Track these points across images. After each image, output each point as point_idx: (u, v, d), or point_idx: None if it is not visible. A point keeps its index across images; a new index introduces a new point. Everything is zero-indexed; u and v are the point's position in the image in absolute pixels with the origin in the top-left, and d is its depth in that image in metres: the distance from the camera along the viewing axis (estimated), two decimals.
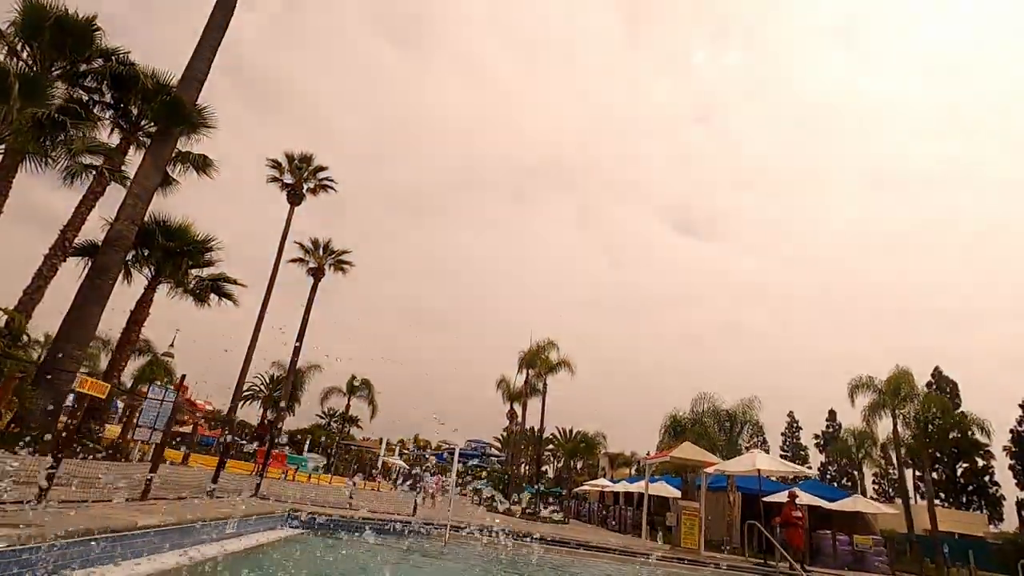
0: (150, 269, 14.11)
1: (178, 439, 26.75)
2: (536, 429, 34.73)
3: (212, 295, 15.31)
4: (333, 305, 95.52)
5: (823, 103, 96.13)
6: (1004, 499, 46.53)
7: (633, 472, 54.39)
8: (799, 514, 12.36)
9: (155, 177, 11.92)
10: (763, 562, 12.43)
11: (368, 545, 8.37)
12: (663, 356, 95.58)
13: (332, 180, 36.08)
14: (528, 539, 11.33)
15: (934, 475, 40.70)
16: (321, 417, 57.97)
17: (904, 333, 73.86)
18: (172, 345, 40.48)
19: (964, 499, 48.58)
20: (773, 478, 25.63)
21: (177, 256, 13.75)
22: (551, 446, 50.92)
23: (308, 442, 49.43)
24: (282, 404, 35.06)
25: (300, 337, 33.14)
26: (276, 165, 34.96)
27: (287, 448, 40.55)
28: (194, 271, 14.86)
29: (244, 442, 45.29)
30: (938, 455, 41.02)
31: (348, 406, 48.58)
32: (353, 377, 47.28)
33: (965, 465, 48.65)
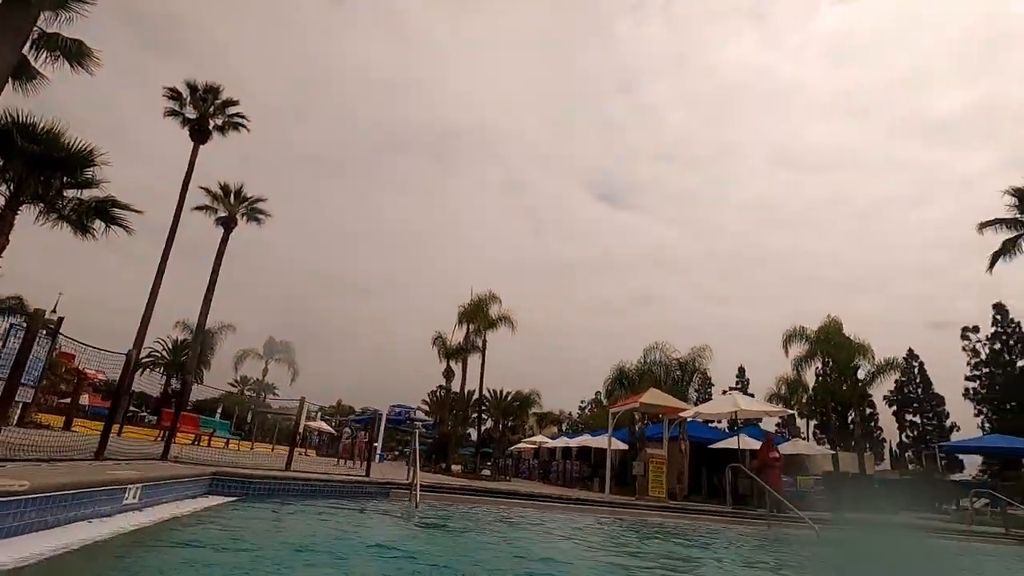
0: (8, 185, 10.88)
1: (63, 406, 22.91)
2: (475, 389, 33.53)
3: (98, 224, 12.13)
4: (246, 266, 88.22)
5: (735, 80, 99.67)
6: (885, 441, 52.59)
7: (562, 429, 55.18)
8: (777, 455, 12.03)
9: (7, 55, 8.93)
10: (743, 507, 12.01)
11: (334, 511, 6.68)
12: (586, 321, 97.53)
13: (244, 117, 31.82)
14: (505, 496, 10.04)
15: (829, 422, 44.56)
16: (234, 385, 53.56)
17: (798, 299, 79.89)
18: (55, 311, 34.95)
19: (853, 443, 54.18)
20: (712, 424, 26.08)
21: (46, 168, 10.61)
22: (483, 407, 50.23)
23: (219, 411, 45.42)
24: (189, 377, 31.30)
25: (209, 294, 29.50)
26: (175, 95, 30.19)
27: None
28: (71, 192, 11.69)
29: (144, 412, 40.63)
30: (835, 404, 45.02)
31: (265, 370, 44.97)
32: (272, 339, 43.68)
33: (854, 413, 54.28)
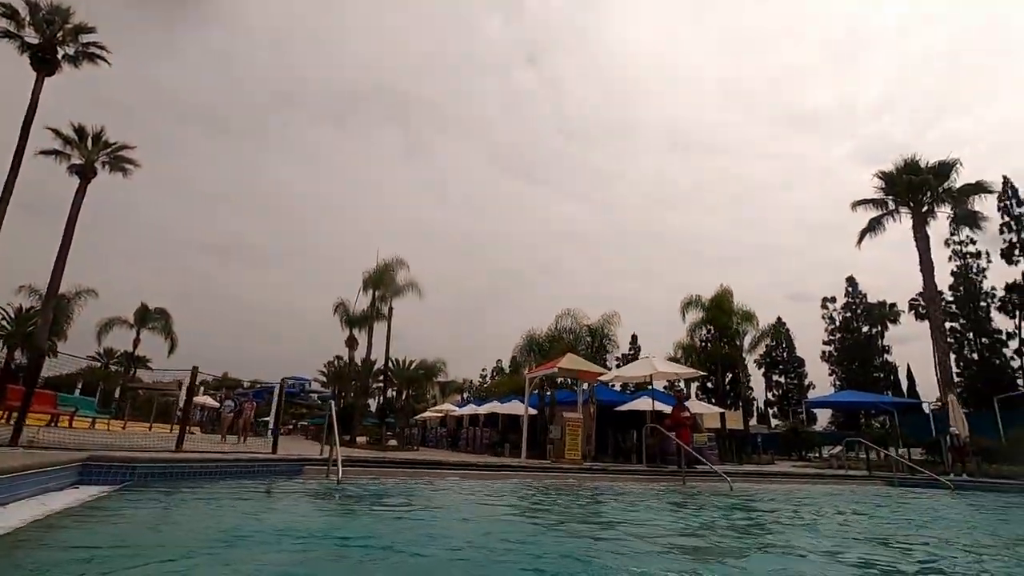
0: None
1: None
2: (378, 358, 32.39)
3: None
4: (116, 227, 77.47)
5: (638, 60, 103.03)
6: (755, 400, 58.97)
7: (464, 397, 55.48)
8: (688, 414, 12.66)
9: None
10: (655, 466, 12.54)
11: (246, 495, 5.81)
12: (489, 291, 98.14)
13: (103, 48, 27.23)
14: (427, 467, 9.57)
15: (709, 384, 49.01)
16: (97, 358, 47.49)
17: (683, 274, 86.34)
18: None
19: (728, 401, 60.21)
20: (616, 387, 27.25)
21: None
22: (387, 376, 48.87)
23: (79, 388, 40.04)
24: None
25: (63, 254, 25.40)
26: (10, 13, 25.07)
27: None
28: None
29: None
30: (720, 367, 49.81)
31: (137, 340, 40.19)
32: (144, 305, 38.98)
33: (730, 375, 60.23)
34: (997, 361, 32.59)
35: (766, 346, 56.54)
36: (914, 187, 17.40)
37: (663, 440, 12.24)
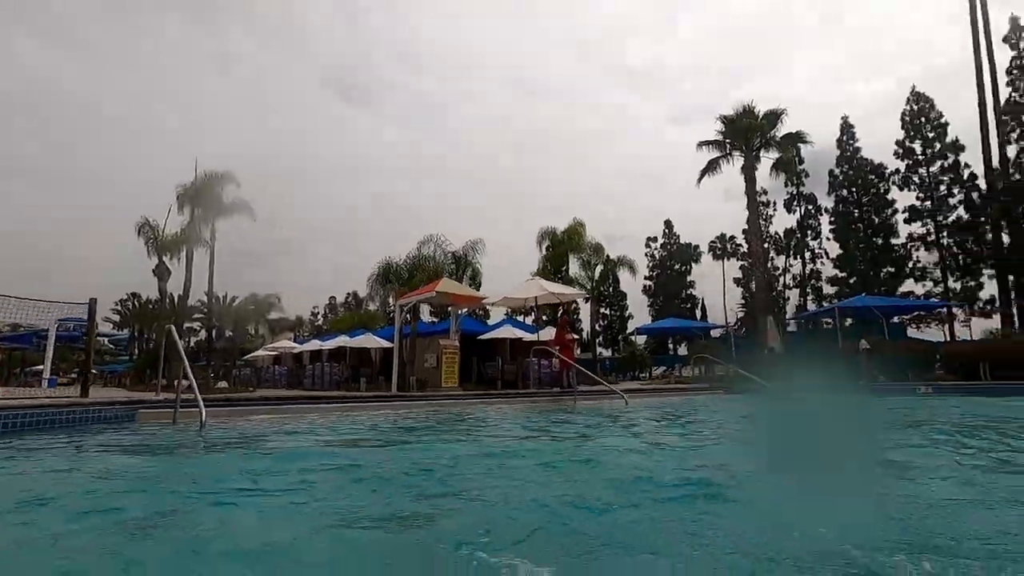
0: None
1: None
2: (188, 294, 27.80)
3: None
4: None
5: None
6: (583, 330, 64.62)
7: (297, 334, 51.49)
8: (572, 336, 12.71)
9: None
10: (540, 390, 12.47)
11: (77, 448, 3.99)
12: (319, 224, 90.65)
13: None
14: (298, 402, 8.10)
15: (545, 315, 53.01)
16: None
17: (523, 218, 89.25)
18: None
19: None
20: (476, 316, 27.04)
21: None
22: (199, 316, 42.76)
23: None
24: None
25: None
26: None
27: None
28: None
29: None
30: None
31: None
32: None
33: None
34: (774, 292, 39.64)
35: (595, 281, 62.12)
36: (750, 130, 19.64)
37: (549, 363, 12.19)
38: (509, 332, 19.76)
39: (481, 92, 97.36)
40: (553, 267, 28.00)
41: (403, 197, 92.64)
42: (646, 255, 53.83)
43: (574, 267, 27.01)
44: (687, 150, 23.76)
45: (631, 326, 53.17)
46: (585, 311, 63.08)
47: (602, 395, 10.88)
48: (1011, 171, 24.13)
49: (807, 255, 37.02)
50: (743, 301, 46.24)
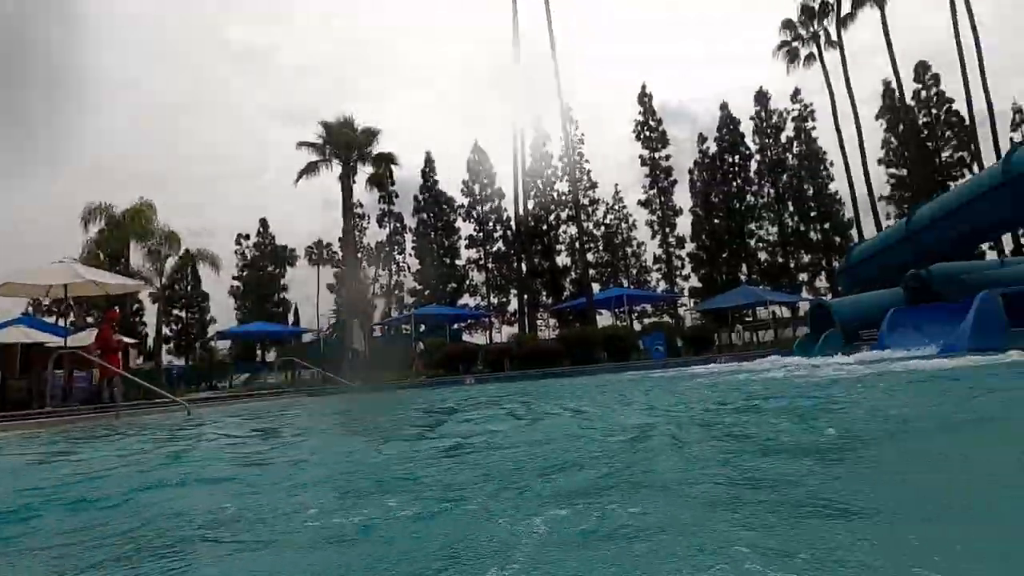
0: None
1: None
2: None
3: None
4: None
5: None
6: (148, 334, 53.84)
7: None
8: (121, 340, 9.95)
9: None
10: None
11: None
12: None
13: None
14: None
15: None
16: None
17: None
18: None
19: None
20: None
21: None
22: None
23: None
24: None
25: None
26: None
27: None
28: None
29: None
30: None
31: None
32: None
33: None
34: (365, 299, 42.47)
35: (166, 279, 52.45)
36: (348, 142, 20.43)
37: (88, 374, 9.32)
38: (22, 334, 14.50)
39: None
40: (108, 254, 22.30)
41: None
42: (236, 253, 49.27)
43: (137, 257, 22.22)
44: (290, 149, 23.10)
45: (213, 330, 47.39)
46: (153, 312, 52.73)
47: (159, 407, 9.13)
48: (530, 220, 33.19)
49: (394, 267, 41.26)
50: (335, 307, 47.70)
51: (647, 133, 37.72)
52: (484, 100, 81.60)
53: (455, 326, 32.86)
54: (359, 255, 42.45)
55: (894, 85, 33.87)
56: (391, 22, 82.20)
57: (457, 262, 39.18)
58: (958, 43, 30.50)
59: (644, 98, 38.02)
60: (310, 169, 21.77)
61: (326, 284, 49.47)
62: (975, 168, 31.60)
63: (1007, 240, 26.93)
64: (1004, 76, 59.17)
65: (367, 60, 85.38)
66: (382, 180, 23.02)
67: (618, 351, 21.75)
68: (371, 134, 21.66)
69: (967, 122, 32.54)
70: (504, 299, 38.71)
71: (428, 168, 39.90)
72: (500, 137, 73.78)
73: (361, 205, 42.02)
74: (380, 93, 77.05)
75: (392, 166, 22.39)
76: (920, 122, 34.78)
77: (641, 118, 37.98)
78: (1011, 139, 31.57)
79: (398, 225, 41.29)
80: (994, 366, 5.76)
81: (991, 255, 23.89)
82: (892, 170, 35.08)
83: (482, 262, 38.92)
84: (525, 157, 30.43)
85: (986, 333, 8.46)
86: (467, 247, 39.31)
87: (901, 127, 34.39)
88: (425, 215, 39.30)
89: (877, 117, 35.33)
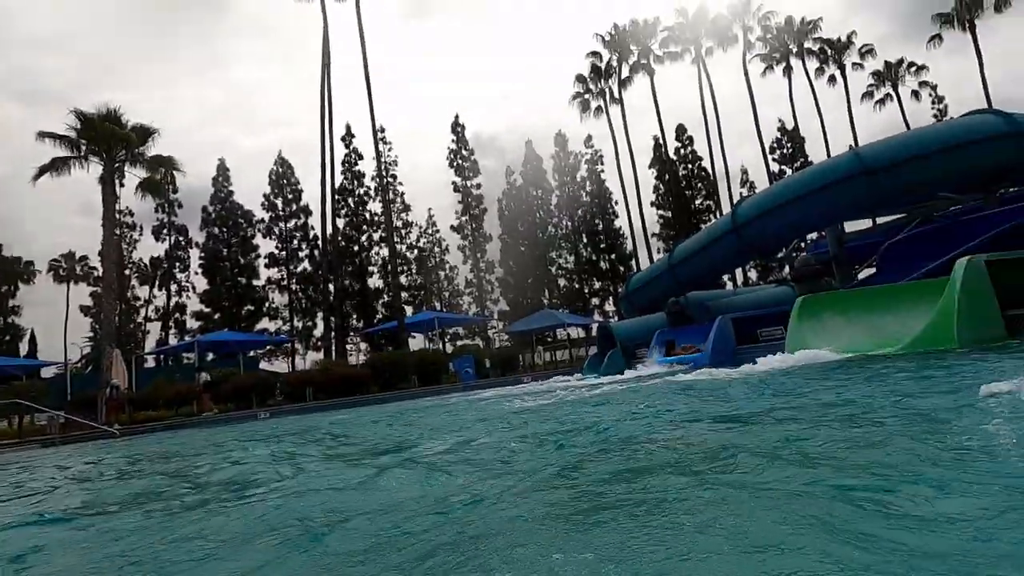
0: None
1: None
2: None
3: None
4: None
5: None
6: None
7: None
8: None
9: None
10: None
11: None
12: None
13: None
14: None
15: None
16: None
17: None
18: None
19: None
20: None
21: None
22: None
23: None
24: None
25: None
26: None
27: None
28: None
29: None
30: None
31: None
32: None
33: None
34: (132, 324, 35.76)
35: None
36: (114, 138, 16.88)
37: None
38: None
39: None
40: None
41: None
42: None
43: None
44: (23, 134, 18.45)
45: None
46: None
47: None
48: (339, 239, 31.66)
49: (174, 287, 35.65)
50: (92, 333, 39.30)
51: (460, 162, 39.04)
52: (292, 108, 76.56)
53: (251, 353, 29.59)
54: (127, 271, 35.83)
55: (661, 141, 40.72)
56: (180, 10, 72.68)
57: (255, 282, 35.46)
58: (704, 115, 38.04)
59: (457, 128, 39.40)
60: (56, 166, 17.63)
61: (79, 306, 40.63)
62: (717, 214, 39.25)
63: (740, 273, 33.83)
64: (737, 142, 74.82)
65: (144, 46, 74.07)
66: (158, 187, 19.74)
67: (429, 375, 21.77)
68: (146, 133, 18.43)
69: (711, 177, 40.62)
70: (310, 323, 36.09)
71: (221, 177, 35.63)
72: (310, 150, 69.68)
73: (132, 214, 35.79)
74: (163, 86, 67.18)
75: (174, 171, 19.37)
76: (680, 173, 42.03)
77: (455, 147, 39.24)
78: (740, 193, 39.94)
79: (181, 239, 35.96)
80: (727, 379, 7.05)
81: (731, 285, 29.66)
82: (661, 211, 41.58)
83: (285, 283, 35.87)
84: (336, 174, 29.09)
85: (721, 351, 10.40)
86: (268, 266, 35.90)
87: (667, 176, 41.17)
88: (217, 229, 34.88)
89: (649, 166, 41.76)
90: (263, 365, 31.58)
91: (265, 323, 35.52)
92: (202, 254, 34.72)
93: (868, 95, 42.55)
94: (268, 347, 34.45)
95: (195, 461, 5.55)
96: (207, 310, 34.10)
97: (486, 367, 22.60)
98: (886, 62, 41.96)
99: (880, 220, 16.00)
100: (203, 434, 10.44)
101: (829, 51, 41.09)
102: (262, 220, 36.00)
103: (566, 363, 23.58)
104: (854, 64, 41.50)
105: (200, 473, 4.56)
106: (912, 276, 9.27)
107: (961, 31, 37.42)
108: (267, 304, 35.63)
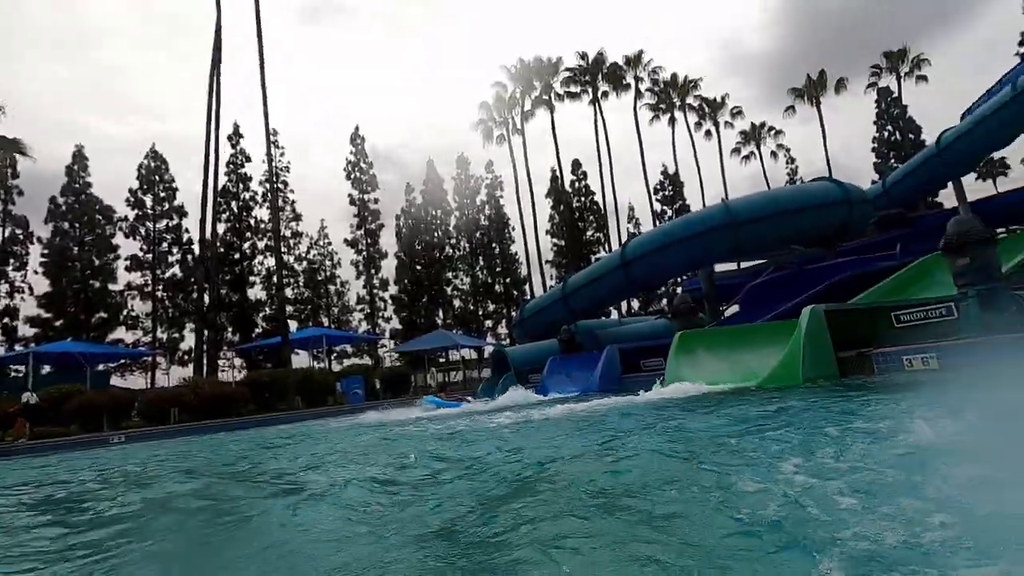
0: None
1: None
2: None
3: None
4: None
5: None
6: None
7: None
8: None
9: None
10: None
11: None
12: None
13: None
14: None
15: None
16: None
17: None
18: None
19: None
20: None
21: None
22: None
23: None
24: None
25: None
26: None
27: None
28: None
29: None
30: None
31: None
32: None
33: None
34: None
35: None
36: None
37: None
38: None
39: None
40: None
41: None
42: None
43: None
44: None
45: None
46: None
47: None
48: (218, 244, 29.15)
49: (4, 287, 30.49)
50: None
51: (357, 174, 37.97)
52: (170, 100, 69.98)
53: (100, 367, 26.10)
54: None
55: (558, 173, 42.69)
56: None
57: (112, 287, 31.40)
58: (598, 152, 40.65)
59: (357, 139, 38.37)
60: None
61: None
62: (608, 247, 41.75)
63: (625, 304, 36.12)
64: (627, 180, 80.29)
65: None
66: None
67: (315, 395, 20.63)
68: None
69: (603, 211, 43.28)
70: (177, 334, 32.63)
71: (78, 166, 31.33)
72: (187, 147, 63.78)
73: None
74: (7, 56, 58.21)
75: (18, 154, 16.68)
76: (574, 205, 44.23)
77: (353, 158, 38.12)
78: (628, 230, 42.86)
79: (19, 233, 30.97)
80: (609, 405, 7.54)
81: (618, 314, 31.55)
82: (555, 240, 43.37)
83: (150, 289, 32.20)
84: (220, 175, 26.89)
85: (608, 378, 11.08)
86: (129, 269, 32.00)
87: (562, 207, 43.12)
88: (67, 224, 30.53)
89: (546, 196, 43.52)
90: (115, 381, 27.93)
91: (121, 333, 31.54)
92: (45, 250, 30.13)
93: (736, 151, 48.22)
94: (123, 360, 30.57)
95: None
96: (46, 315, 29.55)
97: (376, 388, 21.93)
98: (752, 123, 47.93)
99: (744, 264, 18.06)
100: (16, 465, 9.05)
101: (707, 108, 46.02)
102: (125, 218, 32.20)
103: (459, 384, 23.53)
104: (726, 122, 46.85)
105: None
106: (768, 316, 10.60)
107: (810, 105, 44.14)
108: (125, 312, 31.68)
